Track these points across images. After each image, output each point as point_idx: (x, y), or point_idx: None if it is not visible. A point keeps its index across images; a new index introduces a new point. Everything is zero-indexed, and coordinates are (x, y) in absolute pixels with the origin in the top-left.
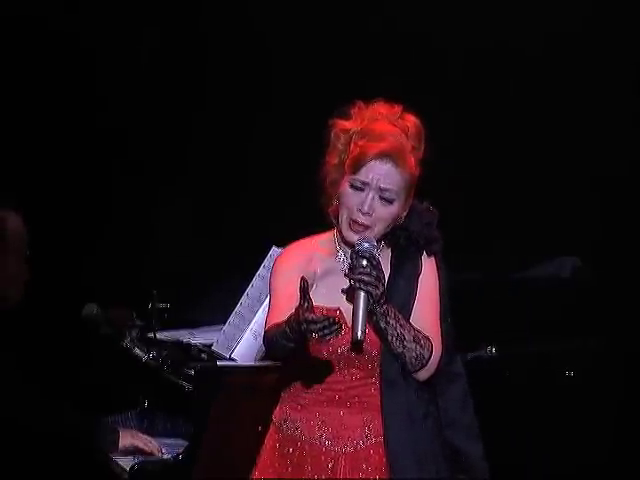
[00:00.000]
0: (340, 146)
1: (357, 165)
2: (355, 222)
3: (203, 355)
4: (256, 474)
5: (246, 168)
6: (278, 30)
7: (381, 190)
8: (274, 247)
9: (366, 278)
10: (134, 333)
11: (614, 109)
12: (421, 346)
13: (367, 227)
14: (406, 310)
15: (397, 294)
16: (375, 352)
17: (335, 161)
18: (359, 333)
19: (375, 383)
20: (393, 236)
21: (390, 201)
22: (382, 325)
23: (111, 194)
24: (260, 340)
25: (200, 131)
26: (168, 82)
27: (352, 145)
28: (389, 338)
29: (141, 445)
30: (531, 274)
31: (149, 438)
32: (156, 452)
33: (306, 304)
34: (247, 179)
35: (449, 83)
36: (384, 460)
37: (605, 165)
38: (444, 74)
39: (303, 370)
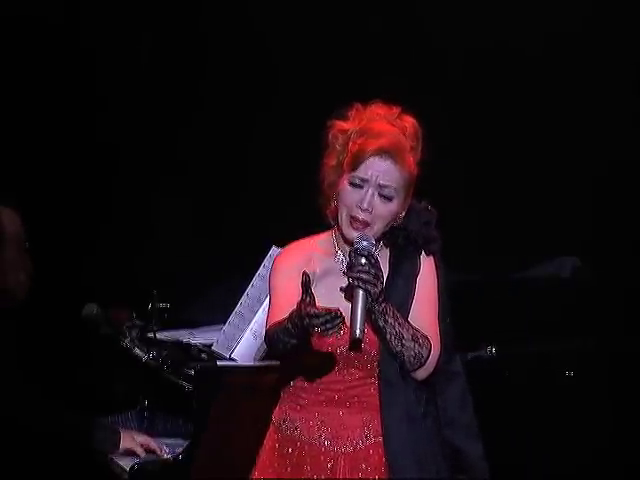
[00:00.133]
0: (338, 147)
1: (356, 162)
2: (355, 219)
3: (203, 355)
4: (256, 474)
5: (246, 168)
6: (278, 31)
7: (380, 187)
8: (274, 247)
9: (365, 276)
10: (134, 333)
11: (614, 109)
12: (420, 345)
13: (367, 224)
14: (404, 309)
15: (395, 293)
16: (374, 352)
17: (333, 162)
18: (357, 331)
19: (374, 383)
20: (392, 236)
21: (389, 198)
22: (381, 324)
23: (111, 194)
24: (260, 340)
25: (200, 131)
26: (168, 82)
27: (351, 144)
28: (387, 337)
29: (139, 453)
30: (531, 274)
31: (150, 443)
32: (159, 452)
33: (308, 299)
34: (247, 179)
35: (449, 83)
36: (383, 460)
37: (605, 165)
38: (444, 74)
39: (302, 370)
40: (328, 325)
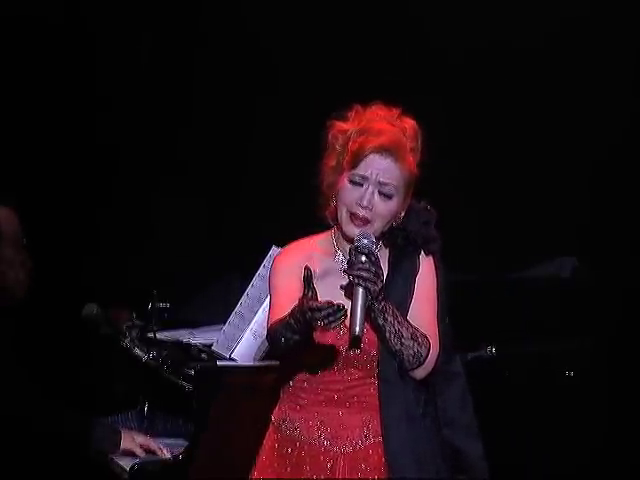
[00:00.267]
0: (338, 147)
1: (356, 160)
2: (355, 216)
3: (203, 355)
4: (255, 474)
5: (246, 168)
6: (278, 31)
7: (380, 184)
8: (274, 247)
9: (365, 274)
10: (134, 333)
11: (614, 109)
12: (419, 344)
13: (367, 221)
14: (403, 308)
15: (395, 292)
16: (374, 352)
17: (333, 162)
18: (357, 328)
19: (374, 383)
20: (391, 236)
21: (389, 196)
22: (380, 322)
23: (111, 194)
24: (260, 340)
25: (200, 131)
26: (168, 82)
27: (350, 143)
28: (387, 335)
29: (139, 454)
30: (531, 274)
31: (150, 444)
32: (159, 452)
33: (310, 293)
34: (247, 179)
35: (447, 83)
36: (383, 460)
37: (605, 166)
38: (442, 74)
39: (302, 370)
40: (330, 318)
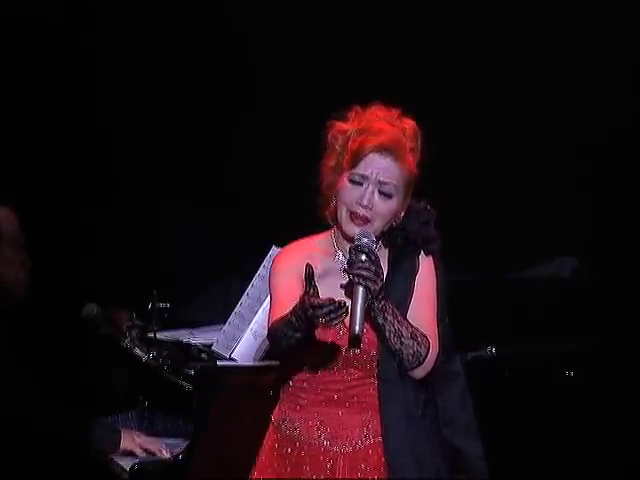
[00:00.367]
0: (338, 147)
1: (356, 159)
2: (355, 215)
3: (203, 355)
4: (255, 474)
5: (246, 168)
6: (277, 31)
7: (380, 184)
8: (274, 247)
9: (365, 273)
10: (134, 333)
11: (614, 109)
12: (418, 343)
13: (367, 220)
14: (403, 308)
15: (394, 292)
16: (373, 352)
17: (333, 163)
18: (357, 327)
19: (374, 383)
20: (391, 236)
21: (389, 195)
22: (380, 321)
23: (111, 194)
24: (260, 340)
25: (200, 131)
26: (167, 82)
27: (350, 143)
28: (386, 334)
29: (142, 449)
30: (531, 274)
31: (150, 445)
32: (158, 453)
33: (312, 290)
34: (247, 179)
35: (448, 83)
36: (383, 460)
37: (605, 165)
38: (442, 74)
39: (302, 370)
40: (332, 315)
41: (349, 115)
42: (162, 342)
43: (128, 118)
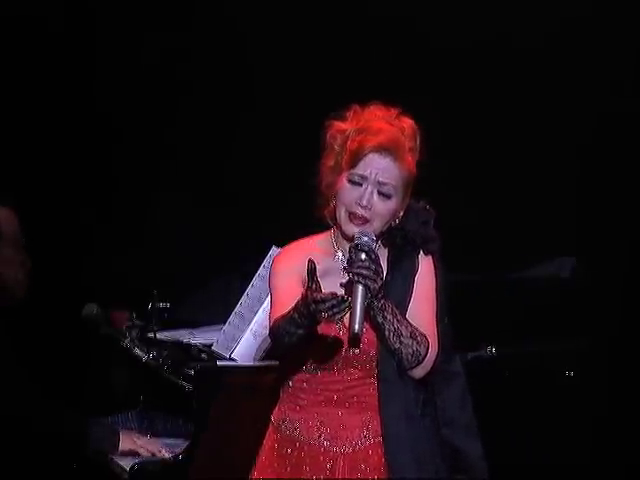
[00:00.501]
0: (337, 147)
1: (355, 159)
2: (354, 215)
3: (203, 355)
4: (255, 474)
5: (246, 168)
6: (276, 30)
7: (379, 184)
8: (274, 247)
9: (365, 272)
10: (134, 333)
11: (615, 110)
12: (418, 342)
13: (366, 220)
14: (402, 308)
15: (394, 292)
16: (373, 352)
17: (332, 162)
18: (357, 326)
19: (373, 383)
20: (390, 236)
21: (388, 196)
22: (379, 320)
23: (111, 194)
24: (260, 340)
25: (200, 131)
26: (166, 82)
27: (349, 142)
28: (386, 333)
29: (141, 453)
30: (531, 274)
31: (150, 445)
32: (157, 453)
33: (314, 285)
34: (247, 179)
35: (442, 83)
36: (383, 460)
37: (605, 165)
38: (441, 74)
39: (301, 370)
40: (335, 310)
41: (348, 114)
42: (162, 342)
43: (128, 118)
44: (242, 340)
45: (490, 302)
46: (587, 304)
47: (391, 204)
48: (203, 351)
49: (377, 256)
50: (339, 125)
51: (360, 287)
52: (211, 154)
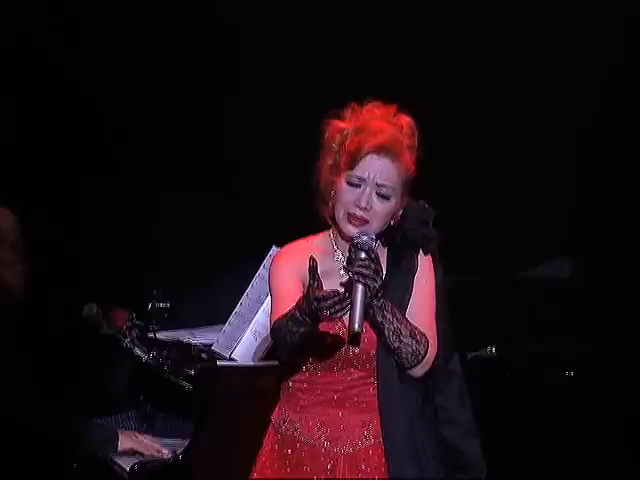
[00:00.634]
0: (335, 146)
1: (353, 160)
2: (353, 216)
3: (203, 355)
4: (255, 475)
5: (246, 169)
6: (275, 30)
7: (378, 186)
8: (274, 247)
9: (365, 271)
10: (134, 333)
11: (615, 110)
12: (417, 342)
13: (365, 221)
14: (402, 307)
15: (393, 291)
16: (373, 351)
17: (330, 161)
18: (356, 325)
19: (373, 383)
20: (389, 235)
21: (387, 197)
22: (379, 319)
23: (111, 195)
24: (260, 340)
25: (200, 131)
26: (165, 82)
27: (347, 142)
28: (386, 333)
29: (142, 450)
30: (531, 274)
31: (149, 443)
32: (156, 453)
33: (315, 283)
34: (247, 179)
35: (441, 82)
36: (383, 460)
37: (606, 165)
38: (442, 73)
39: (301, 371)
40: (337, 307)
41: (345, 113)
42: (162, 342)
43: (128, 118)
44: (242, 340)
45: (490, 302)
46: (587, 304)
47: (390, 205)
48: (203, 351)
49: (377, 255)
50: (337, 124)
51: (360, 286)
52: (211, 154)
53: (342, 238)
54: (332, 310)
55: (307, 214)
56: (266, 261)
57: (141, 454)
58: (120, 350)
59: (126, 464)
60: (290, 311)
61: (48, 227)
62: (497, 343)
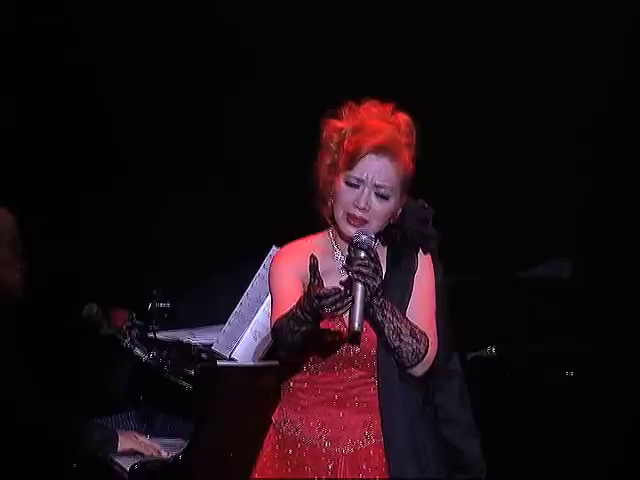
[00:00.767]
0: (333, 146)
1: (352, 161)
2: (352, 216)
3: (203, 355)
4: (256, 475)
5: (246, 168)
6: (273, 30)
7: (376, 187)
8: (274, 247)
9: (364, 270)
10: (134, 333)
11: (615, 109)
12: (417, 341)
13: (364, 221)
14: (402, 306)
15: (393, 290)
16: (374, 351)
17: (328, 161)
18: (356, 324)
19: (374, 383)
20: (389, 234)
21: (386, 197)
22: (379, 318)
23: (111, 195)
24: (260, 340)
25: (200, 131)
26: (164, 81)
27: (346, 142)
28: (386, 332)
29: (142, 450)
30: (531, 274)
31: (149, 443)
32: (156, 454)
33: (316, 281)
34: (246, 179)
35: (444, 82)
36: (384, 460)
37: (606, 165)
38: (442, 73)
39: (302, 371)
40: (338, 305)
41: (343, 112)
42: (162, 342)
43: (129, 118)
44: (242, 340)
45: (490, 302)
46: (587, 304)
47: (389, 204)
48: (203, 351)
49: (376, 254)
50: (335, 124)
51: (359, 285)
52: (211, 154)
53: (341, 238)
54: (333, 307)
55: (307, 214)
56: (266, 261)
57: (141, 454)
58: (120, 350)
59: (126, 464)
60: (291, 310)
61: (48, 227)
62: (497, 343)
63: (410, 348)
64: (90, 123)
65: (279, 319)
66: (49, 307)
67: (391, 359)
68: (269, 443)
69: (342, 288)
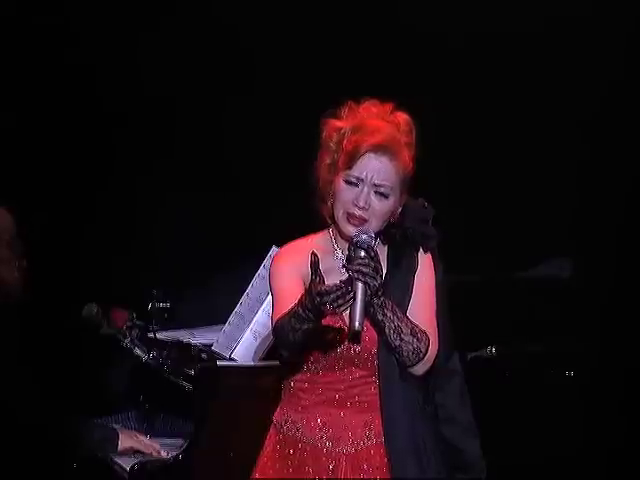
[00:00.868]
0: (333, 145)
1: (351, 160)
2: (352, 215)
3: (203, 355)
4: (257, 475)
5: (246, 168)
6: (272, 29)
7: (376, 186)
8: (274, 247)
9: (364, 269)
10: (134, 333)
11: (615, 109)
12: (418, 339)
13: (364, 220)
14: (402, 305)
15: (393, 289)
16: (374, 350)
17: (328, 160)
18: (357, 324)
19: (375, 382)
20: (389, 233)
21: (386, 196)
22: (379, 317)
23: (111, 195)
24: (260, 340)
25: (200, 131)
26: (163, 81)
27: (345, 141)
28: (386, 331)
29: (142, 449)
30: (531, 274)
31: (149, 442)
32: (155, 454)
33: (317, 278)
34: (247, 179)
35: (444, 81)
36: (385, 460)
37: (606, 165)
38: (438, 72)
39: (302, 370)
40: (340, 301)
41: (342, 111)
42: (162, 342)
43: (129, 118)
44: (242, 340)
45: (490, 302)
46: (587, 304)
47: (389, 203)
48: (203, 351)
49: (376, 253)
50: (334, 123)
51: (360, 285)
52: (211, 154)
53: (342, 237)
54: (335, 304)
55: (307, 214)
56: (266, 261)
57: (141, 454)
58: (120, 350)
59: (126, 464)
60: (292, 308)
61: (48, 227)
62: (497, 343)
63: (411, 347)
64: (90, 123)
65: (280, 318)
66: (49, 307)
67: (392, 358)
68: (270, 443)
69: (343, 285)
